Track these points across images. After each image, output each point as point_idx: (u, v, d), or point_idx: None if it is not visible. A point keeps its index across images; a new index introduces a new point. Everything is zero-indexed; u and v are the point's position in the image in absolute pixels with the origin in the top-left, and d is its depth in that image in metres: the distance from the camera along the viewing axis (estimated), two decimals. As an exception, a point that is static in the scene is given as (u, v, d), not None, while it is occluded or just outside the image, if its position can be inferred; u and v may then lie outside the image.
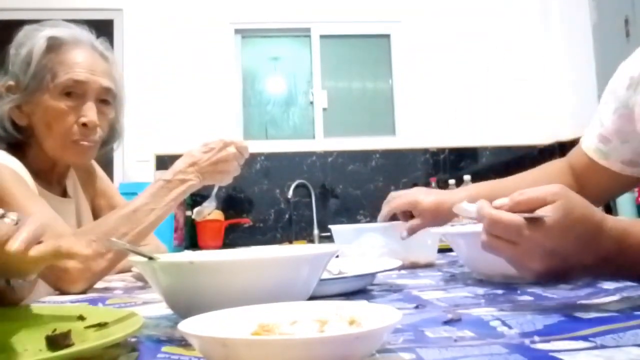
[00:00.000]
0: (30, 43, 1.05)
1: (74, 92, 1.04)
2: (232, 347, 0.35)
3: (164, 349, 0.46)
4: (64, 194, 1.16)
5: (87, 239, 0.90)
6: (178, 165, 1.00)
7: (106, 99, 1.09)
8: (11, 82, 1.05)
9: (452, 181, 3.23)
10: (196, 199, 3.29)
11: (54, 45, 1.04)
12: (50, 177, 1.12)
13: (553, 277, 0.56)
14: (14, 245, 0.48)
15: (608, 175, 0.94)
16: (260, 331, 0.42)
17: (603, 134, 0.94)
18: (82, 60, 1.05)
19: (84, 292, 0.89)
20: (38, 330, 0.49)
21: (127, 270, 1.14)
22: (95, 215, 1.24)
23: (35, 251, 0.50)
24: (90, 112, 1.05)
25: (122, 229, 0.92)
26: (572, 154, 1.02)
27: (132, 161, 3.36)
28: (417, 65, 3.59)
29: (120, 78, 1.15)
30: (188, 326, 0.39)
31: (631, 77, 0.87)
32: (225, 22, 3.52)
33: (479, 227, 0.64)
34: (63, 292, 0.88)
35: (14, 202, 0.92)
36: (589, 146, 0.97)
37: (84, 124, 1.05)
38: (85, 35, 1.10)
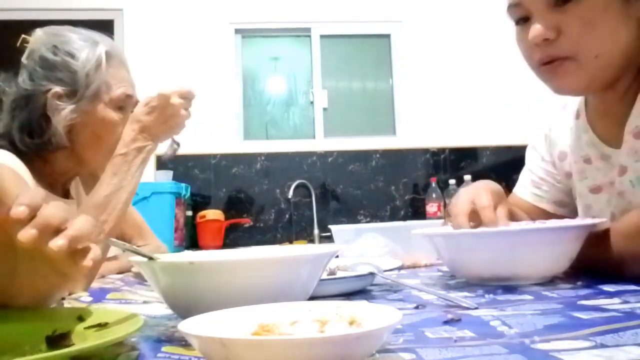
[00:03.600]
0: (88, 53, 1.04)
1: (124, 106, 1.08)
2: (231, 347, 0.35)
3: (164, 349, 0.46)
4: (66, 195, 1.16)
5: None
6: (128, 134, 0.99)
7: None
8: (59, 89, 1.02)
9: (452, 181, 3.24)
10: (197, 199, 3.31)
11: (108, 58, 1.06)
12: (56, 181, 1.11)
13: None
14: (58, 242, 0.45)
15: (545, 216, 1.02)
16: (260, 331, 0.42)
17: (535, 180, 1.06)
18: (127, 75, 1.11)
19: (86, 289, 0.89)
20: (38, 330, 0.49)
21: (127, 270, 1.14)
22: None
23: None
24: None
25: (101, 218, 0.93)
26: (510, 200, 1.04)
27: (132, 161, 3.35)
28: (417, 65, 3.59)
29: None
30: (188, 326, 0.39)
31: (545, 135, 1.05)
32: (225, 22, 3.52)
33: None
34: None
35: (11, 202, 0.91)
36: (524, 193, 1.07)
37: None
38: (120, 48, 1.13)
